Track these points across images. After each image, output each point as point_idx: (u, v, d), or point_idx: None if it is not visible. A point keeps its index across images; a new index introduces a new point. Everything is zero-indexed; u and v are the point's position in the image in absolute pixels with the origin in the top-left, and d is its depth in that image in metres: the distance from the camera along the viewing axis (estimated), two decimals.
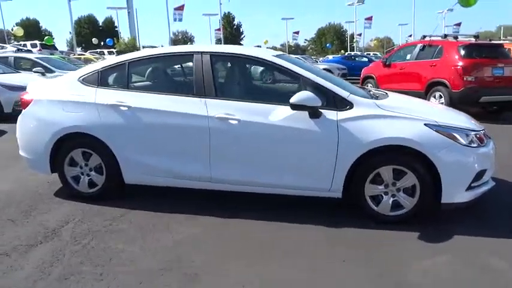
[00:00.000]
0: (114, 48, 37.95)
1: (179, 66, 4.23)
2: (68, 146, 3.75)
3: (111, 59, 3.91)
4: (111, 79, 3.82)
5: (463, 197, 3.18)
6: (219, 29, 52.96)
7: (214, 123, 3.37)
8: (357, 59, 23.61)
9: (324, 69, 19.52)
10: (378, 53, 40.65)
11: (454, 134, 3.14)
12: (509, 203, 3.75)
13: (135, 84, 3.92)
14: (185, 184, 3.63)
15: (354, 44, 59.20)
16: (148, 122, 3.52)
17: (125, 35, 45.08)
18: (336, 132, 3.19)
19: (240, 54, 3.71)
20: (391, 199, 3.26)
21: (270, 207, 3.62)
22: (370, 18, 45.31)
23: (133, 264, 2.73)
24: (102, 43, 51.27)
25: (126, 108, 3.55)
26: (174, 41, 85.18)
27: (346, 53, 35.54)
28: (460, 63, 7.99)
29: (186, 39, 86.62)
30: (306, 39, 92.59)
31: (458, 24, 57.64)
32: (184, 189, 3.69)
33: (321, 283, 2.51)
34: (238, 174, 3.45)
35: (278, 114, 3.31)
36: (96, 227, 3.30)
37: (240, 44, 76.26)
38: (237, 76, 4.04)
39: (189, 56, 3.69)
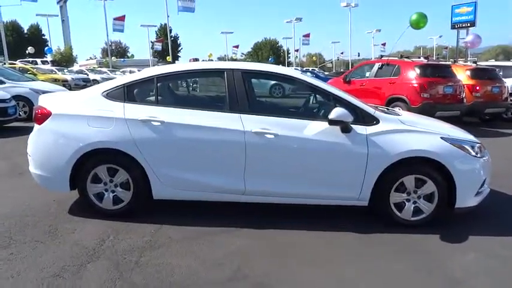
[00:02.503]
0: (46, 58, 35.65)
1: (210, 82, 4.30)
2: (92, 162, 3.64)
3: (136, 74, 3.88)
4: (138, 94, 3.79)
5: (472, 202, 3.64)
6: (158, 40, 52.09)
7: (250, 137, 3.51)
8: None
9: (275, 84, 20.24)
10: (315, 69, 42.69)
11: (465, 146, 3.61)
12: (488, 206, 4.32)
13: (164, 99, 3.91)
14: (218, 198, 3.71)
15: (292, 59, 61.66)
16: (182, 137, 3.55)
17: (55, 43, 42.52)
18: (365, 146, 3.50)
19: (270, 71, 3.90)
20: (413, 205, 3.63)
21: (298, 217, 3.82)
22: (307, 35, 47.62)
23: (199, 278, 2.77)
24: (28, 52, 47.69)
25: (158, 124, 3.55)
26: (107, 52, 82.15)
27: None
28: (418, 82, 8.88)
29: (121, 49, 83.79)
30: (242, 53, 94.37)
31: (384, 44, 62.66)
32: (205, 202, 3.76)
33: (385, 284, 2.77)
34: (272, 186, 3.61)
35: (312, 129, 3.54)
36: (137, 243, 3.25)
37: (178, 56, 75.66)
38: (267, 92, 4.21)
39: (219, 72, 3.80)
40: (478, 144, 3.73)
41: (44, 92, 10.47)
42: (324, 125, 3.53)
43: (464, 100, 9.40)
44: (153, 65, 50.12)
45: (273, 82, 4.46)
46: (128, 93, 3.72)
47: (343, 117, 3.43)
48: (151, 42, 50.21)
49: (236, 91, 3.64)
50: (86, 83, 24.77)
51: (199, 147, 3.57)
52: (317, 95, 3.83)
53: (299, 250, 3.20)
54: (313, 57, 73.81)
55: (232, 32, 58.34)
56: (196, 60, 71.49)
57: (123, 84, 3.75)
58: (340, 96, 3.67)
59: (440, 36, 55.37)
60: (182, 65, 4.07)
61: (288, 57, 70.61)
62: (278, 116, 3.66)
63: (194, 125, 3.55)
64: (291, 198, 3.68)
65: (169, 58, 42.32)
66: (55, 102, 3.81)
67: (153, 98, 3.78)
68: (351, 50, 49.58)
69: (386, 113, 3.89)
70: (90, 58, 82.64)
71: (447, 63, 9.87)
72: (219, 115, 3.60)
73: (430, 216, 3.62)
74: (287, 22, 47.66)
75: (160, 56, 71.22)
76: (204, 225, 3.60)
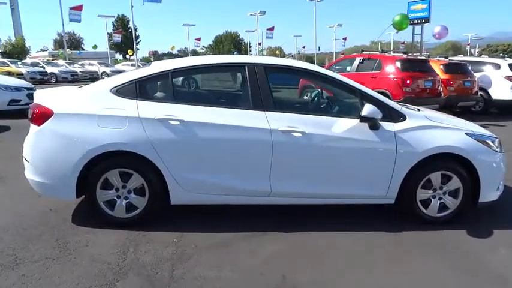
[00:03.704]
0: None
1: (229, 77, 4.02)
2: (103, 166, 3.29)
3: (148, 69, 3.53)
4: (152, 90, 3.47)
5: (494, 196, 3.67)
6: (116, 32, 50.05)
7: (277, 136, 3.31)
8: None
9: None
10: None
11: (487, 141, 3.62)
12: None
13: (181, 96, 3.61)
14: (242, 201, 3.49)
15: (254, 53, 61.48)
16: (204, 137, 3.29)
17: (3, 33, 39.61)
18: (394, 143, 3.41)
19: (292, 66, 3.69)
20: (438, 202, 3.60)
21: (321, 217, 3.69)
22: (272, 29, 47.59)
23: None
24: None
25: (177, 123, 3.26)
26: (59, 43, 77.65)
27: None
28: (400, 76, 9.02)
29: (74, 41, 79.82)
30: (203, 46, 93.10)
31: (345, 39, 64.08)
32: (218, 206, 3.54)
33: (428, 283, 2.69)
34: (299, 187, 3.44)
35: (340, 126, 3.40)
36: (163, 254, 2.97)
37: (137, 49, 73.23)
38: (290, 88, 4.01)
39: (240, 67, 3.55)
40: (497, 139, 3.75)
41: (9, 88, 9.70)
42: (352, 122, 3.41)
43: (442, 94, 9.68)
44: (111, 58, 48.25)
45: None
46: (141, 90, 3.39)
47: (375, 114, 3.31)
48: (108, 33, 48.00)
49: (259, 87, 3.42)
50: (42, 77, 23.33)
51: (222, 148, 3.32)
52: (345, 92, 3.67)
53: (336, 254, 3.06)
54: (276, 51, 74.06)
55: (194, 25, 57.20)
56: (155, 53, 69.62)
57: (135, 80, 3.41)
58: (367, 93, 3.55)
59: (397, 32, 57.24)
60: (199, 58, 3.77)
61: (250, 51, 70.43)
62: (304, 113, 3.49)
63: (216, 123, 3.29)
64: (318, 199, 3.53)
65: (131, 51, 40.74)
66: (55, 100, 3.40)
67: (168, 95, 3.47)
68: (316, 44, 50.03)
69: (410, 109, 3.82)
70: (41, 50, 78.11)
71: (424, 58, 10.09)
72: (243, 113, 3.37)
73: (455, 212, 3.61)
74: (251, 15, 47.30)
75: (118, 49, 68.59)
76: (228, 231, 3.38)
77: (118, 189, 3.37)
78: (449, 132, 3.55)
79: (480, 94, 11.09)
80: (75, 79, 26.62)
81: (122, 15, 75.38)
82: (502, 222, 3.70)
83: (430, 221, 3.60)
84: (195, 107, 3.37)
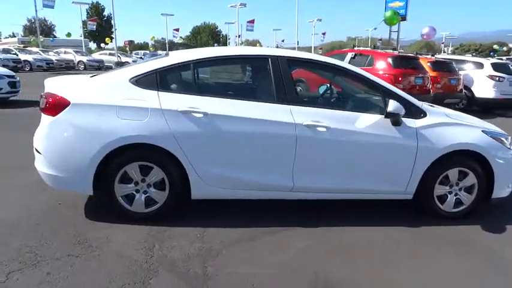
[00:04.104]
0: None
1: (251, 69, 3.91)
2: (122, 159, 3.16)
3: (168, 59, 3.39)
4: (174, 81, 3.35)
5: (506, 192, 3.77)
6: (92, 20, 48.51)
7: (301, 130, 3.27)
8: None
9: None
10: None
11: (502, 139, 3.70)
12: None
13: (203, 88, 3.50)
14: (264, 195, 3.44)
15: (232, 45, 60.99)
16: (227, 131, 3.21)
17: None
18: (415, 139, 3.44)
19: (315, 60, 3.64)
20: (454, 197, 3.66)
21: (344, 212, 3.69)
22: (252, 21, 47.24)
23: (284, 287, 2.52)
24: None
25: (201, 115, 3.17)
26: (30, 29, 74.54)
27: None
28: (392, 72, 9.14)
29: (46, 27, 76.90)
30: (181, 37, 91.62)
31: (324, 33, 64.53)
32: (234, 201, 3.49)
33: (459, 280, 2.73)
34: (321, 181, 3.42)
35: (363, 121, 3.40)
36: (190, 250, 2.89)
37: (111, 38, 71.21)
38: (313, 82, 3.95)
39: (263, 59, 3.47)
40: (510, 137, 3.85)
41: None
42: (375, 117, 3.41)
43: (431, 91, 9.89)
44: (85, 46, 46.62)
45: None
46: (161, 81, 3.27)
47: (399, 110, 3.32)
48: (83, 21, 46.41)
49: (283, 80, 3.36)
50: (16, 64, 22.31)
51: (246, 142, 3.25)
52: (367, 87, 3.67)
53: (365, 250, 3.06)
54: (256, 44, 73.82)
55: (173, 15, 55.97)
56: (131, 42, 67.84)
57: (155, 70, 3.28)
58: (390, 89, 3.55)
59: (375, 29, 58.21)
60: (221, 49, 3.67)
61: (228, 43, 69.91)
62: (328, 107, 3.46)
63: (241, 117, 3.22)
64: (339, 194, 3.52)
65: (108, 40, 39.52)
66: (71, 89, 3.22)
67: (190, 87, 3.37)
68: (293, 38, 50.16)
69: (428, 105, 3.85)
70: (10, 36, 74.83)
71: (414, 55, 10.25)
72: (267, 106, 3.30)
73: (469, 207, 3.69)
74: (231, 7, 46.79)
75: (92, 37, 66.53)
76: (251, 226, 3.32)
77: (137, 183, 3.25)
78: (467, 130, 3.61)
79: (464, 92, 11.41)
80: (50, 67, 25.63)
81: (97, 2, 73.24)
82: (504, 219, 3.80)
83: (446, 216, 3.67)
84: (218, 99, 3.28)
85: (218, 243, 3.03)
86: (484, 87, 11.52)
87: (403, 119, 3.44)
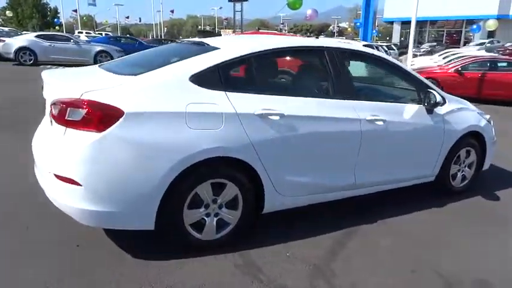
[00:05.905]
0: None
1: (308, 62, 3.44)
2: (195, 179, 2.53)
3: (226, 51, 2.77)
4: (236, 79, 2.80)
5: (488, 165, 4.38)
6: None
7: (365, 126, 3.17)
8: (122, 40, 22.16)
9: (101, 51, 17.57)
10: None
11: (488, 118, 4.29)
12: None
13: (265, 85, 2.98)
14: (329, 197, 3.23)
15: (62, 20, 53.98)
16: (304, 133, 2.87)
17: None
18: (442, 124, 3.71)
19: (363, 52, 3.51)
20: (461, 174, 4.12)
21: (376, 206, 3.74)
22: None
23: None
24: None
25: (277, 118, 2.74)
26: None
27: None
28: None
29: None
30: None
31: (172, 11, 63.07)
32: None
33: None
34: (377, 175, 3.42)
35: (408, 112, 3.49)
36: (302, 272, 2.53)
37: None
38: (362, 75, 3.75)
39: (319, 51, 3.17)
40: (489, 115, 4.47)
41: None
42: (415, 107, 3.54)
43: None
44: None
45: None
46: (225, 78, 2.69)
47: (441, 100, 3.55)
48: None
49: (341, 74, 3.16)
50: None
51: (320, 143, 2.99)
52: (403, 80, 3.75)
53: (455, 242, 3.13)
54: (84, 18, 66.04)
55: None
56: None
57: (216, 65, 2.67)
58: (424, 81, 3.70)
59: (220, 8, 59.84)
60: (277, 41, 3.17)
61: (58, 18, 61.57)
62: (381, 100, 3.44)
63: (315, 116, 2.93)
64: (387, 185, 3.57)
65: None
66: (116, 93, 2.37)
67: (256, 84, 2.87)
68: (137, 15, 47.26)
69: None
70: None
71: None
72: (334, 103, 3.07)
73: (471, 181, 4.21)
74: None
75: None
76: (322, 233, 3.07)
77: (208, 205, 2.66)
78: (472, 113, 4.09)
79: None
80: None
81: None
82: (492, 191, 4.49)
83: (456, 191, 4.10)
84: (289, 98, 2.90)
85: (315, 257, 2.74)
86: None
87: None
